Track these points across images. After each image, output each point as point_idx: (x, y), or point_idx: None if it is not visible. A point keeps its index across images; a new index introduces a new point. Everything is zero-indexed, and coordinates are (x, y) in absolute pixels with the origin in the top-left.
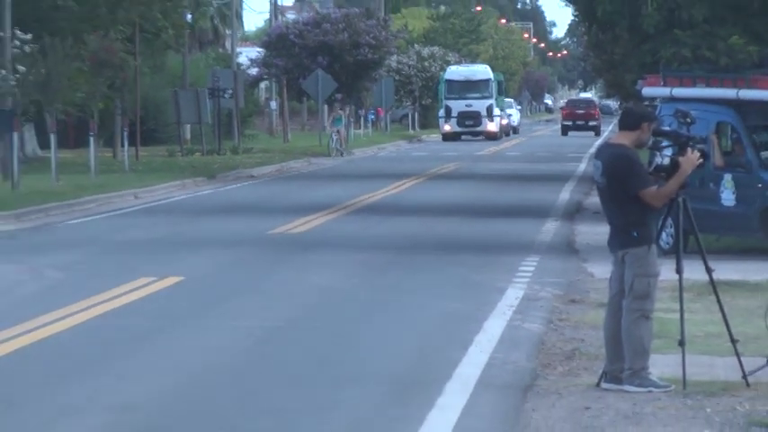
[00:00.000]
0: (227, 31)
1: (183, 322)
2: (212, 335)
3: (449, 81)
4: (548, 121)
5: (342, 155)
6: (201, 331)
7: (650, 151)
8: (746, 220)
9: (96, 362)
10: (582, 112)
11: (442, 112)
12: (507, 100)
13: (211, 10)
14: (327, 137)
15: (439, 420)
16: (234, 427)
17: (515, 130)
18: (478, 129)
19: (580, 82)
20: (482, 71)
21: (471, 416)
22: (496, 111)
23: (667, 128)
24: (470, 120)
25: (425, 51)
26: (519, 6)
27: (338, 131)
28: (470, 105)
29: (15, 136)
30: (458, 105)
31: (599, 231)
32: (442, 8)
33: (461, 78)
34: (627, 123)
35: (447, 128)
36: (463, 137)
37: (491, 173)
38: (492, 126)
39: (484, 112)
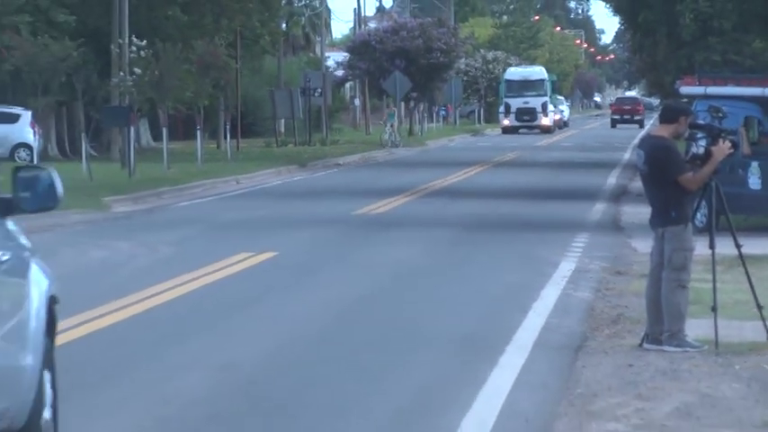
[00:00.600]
0: (317, 38)
1: (278, 291)
2: (304, 302)
3: (508, 81)
4: (597, 116)
5: (397, 146)
6: (294, 299)
7: (687, 142)
8: None
9: (201, 327)
10: (628, 107)
11: (502, 109)
12: (559, 98)
13: (303, 19)
14: (382, 131)
15: (501, 377)
16: (323, 383)
17: (566, 123)
18: (534, 123)
19: (625, 82)
20: (538, 72)
21: (529, 373)
22: (550, 107)
23: (702, 121)
24: (527, 115)
25: (490, 55)
26: (572, 16)
27: (391, 125)
28: (527, 102)
29: (132, 129)
30: (516, 102)
31: (641, 212)
32: (505, 18)
33: (519, 78)
34: (666, 117)
35: (506, 122)
36: (521, 130)
37: (547, 161)
38: (546, 121)
39: (539, 109)
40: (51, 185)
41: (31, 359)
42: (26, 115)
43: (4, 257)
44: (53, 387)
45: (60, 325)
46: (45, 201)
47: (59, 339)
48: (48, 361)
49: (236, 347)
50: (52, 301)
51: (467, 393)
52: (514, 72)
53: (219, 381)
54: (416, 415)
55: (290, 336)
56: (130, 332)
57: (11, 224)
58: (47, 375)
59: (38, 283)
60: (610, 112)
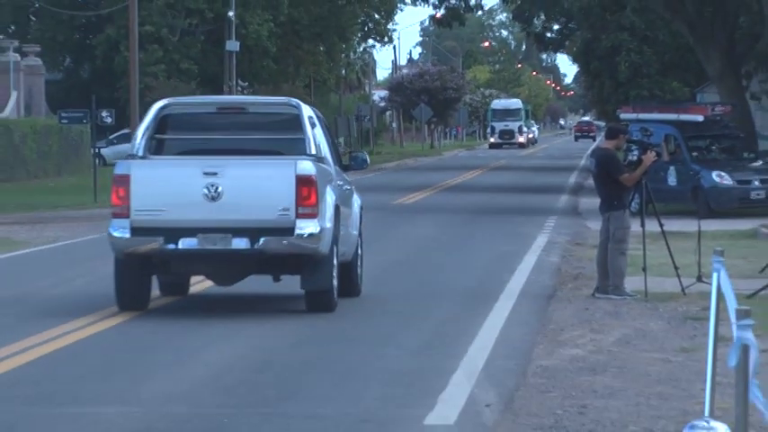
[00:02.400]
0: (366, 81)
1: None
2: (367, 258)
3: (493, 110)
4: (561, 134)
5: None
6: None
7: (624, 152)
8: (683, 194)
9: (284, 281)
10: (585, 128)
11: (489, 130)
12: (532, 122)
13: (357, 68)
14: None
15: (496, 317)
16: (367, 324)
17: (536, 141)
18: (513, 140)
19: (581, 110)
20: (515, 103)
21: (516, 314)
22: (525, 129)
23: (635, 138)
24: (507, 135)
25: (487, 92)
26: (544, 64)
27: None
28: (507, 125)
29: None
30: (499, 125)
31: (593, 201)
32: (497, 66)
33: (501, 108)
34: (610, 135)
35: (492, 140)
36: (503, 146)
37: (526, 166)
38: (522, 139)
39: (516, 130)
40: (365, 159)
41: (355, 231)
42: None
43: (347, 186)
44: (360, 243)
45: None
46: (362, 165)
47: None
48: (360, 232)
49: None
50: (360, 207)
51: (472, 329)
52: (498, 103)
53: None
54: (436, 345)
55: (378, 262)
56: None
57: (346, 175)
58: (359, 239)
59: (357, 198)
60: (573, 131)
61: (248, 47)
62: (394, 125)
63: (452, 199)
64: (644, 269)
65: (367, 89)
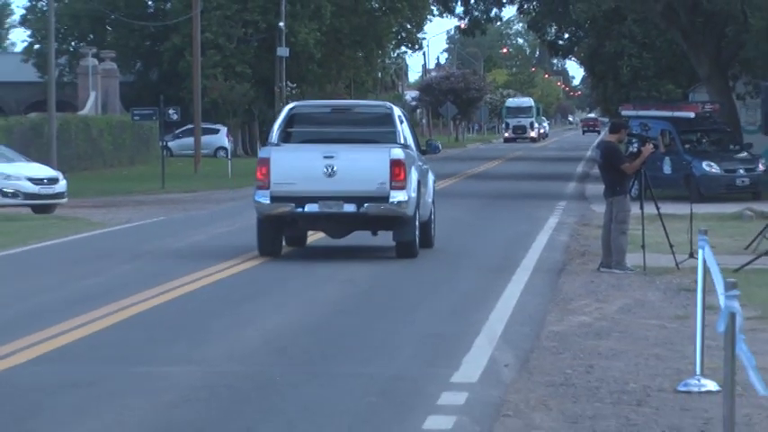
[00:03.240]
0: (400, 82)
1: (361, 245)
2: (372, 254)
3: (507, 107)
4: (570, 129)
5: None
6: (386, 238)
7: (626, 144)
8: (677, 181)
9: (327, 260)
10: (591, 123)
11: (504, 126)
12: (543, 118)
13: (391, 71)
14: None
15: (514, 288)
16: (402, 290)
17: (547, 135)
18: (525, 135)
19: (588, 108)
20: (527, 101)
21: (531, 286)
22: (536, 125)
23: (635, 131)
24: (520, 130)
25: (504, 92)
26: (555, 68)
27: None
28: (520, 121)
29: None
30: (513, 121)
31: (598, 188)
32: (514, 69)
33: (515, 106)
34: (613, 129)
35: (506, 134)
36: (517, 140)
37: (539, 156)
38: (533, 133)
39: (528, 125)
40: (437, 146)
41: (430, 199)
42: (223, 129)
43: (425, 166)
44: (434, 209)
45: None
46: (435, 150)
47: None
48: (433, 200)
49: (370, 258)
50: (434, 182)
51: (493, 298)
52: (512, 101)
53: (343, 290)
54: (461, 311)
55: (392, 257)
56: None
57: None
58: (433, 206)
59: (431, 175)
60: (580, 126)
61: (296, 53)
62: (423, 121)
63: (475, 185)
64: (643, 246)
65: (400, 90)
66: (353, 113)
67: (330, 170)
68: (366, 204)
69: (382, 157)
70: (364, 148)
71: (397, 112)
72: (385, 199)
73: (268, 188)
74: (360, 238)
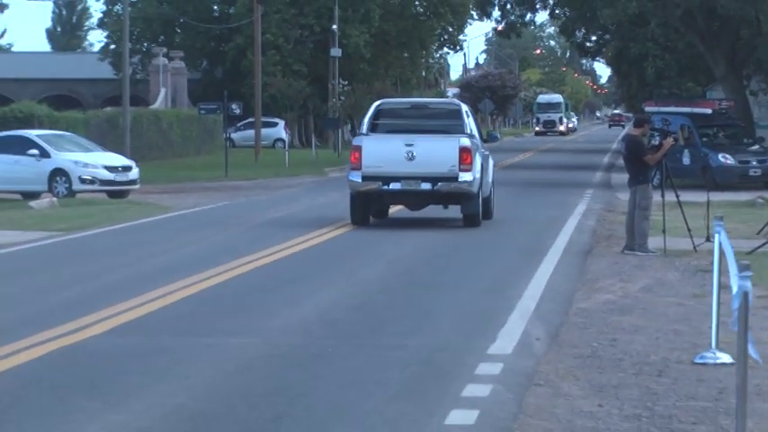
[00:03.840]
0: (442, 80)
1: (424, 217)
2: (440, 223)
3: (538, 103)
4: (597, 123)
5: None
6: (431, 223)
7: (648, 138)
8: (695, 171)
9: (373, 243)
10: (617, 118)
11: (535, 120)
12: (572, 113)
13: (434, 69)
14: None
15: (545, 268)
16: (445, 272)
17: (575, 129)
18: (554, 129)
19: (614, 104)
20: (556, 98)
21: (561, 266)
22: (564, 119)
23: (657, 126)
24: (550, 124)
25: (538, 90)
26: (584, 68)
27: None
28: (550, 116)
29: (339, 131)
30: (543, 116)
31: (623, 177)
32: (546, 69)
33: (545, 102)
34: (637, 123)
35: (537, 129)
36: (547, 134)
37: (569, 148)
38: (562, 128)
39: (557, 120)
40: (496, 136)
41: (490, 179)
42: (281, 123)
43: (486, 152)
44: (493, 187)
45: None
46: (494, 139)
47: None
48: (492, 181)
49: (413, 241)
50: (492, 165)
51: (526, 277)
52: (542, 97)
53: (387, 270)
54: (498, 289)
55: (444, 228)
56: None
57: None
58: (492, 186)
59: (491, 160)
60: (607, 120)
61: (348, 53)
62: None
63: (510, 175)
64: (663, 231)
65: (442, 87)
66: (429, 109)
67: (410, 155)
68: (439, 183)
69: (453, 144)
70: (438, 137)
71: (464, 108)
72: (455, 179)
73: (360, 169)
74: (432, 211)
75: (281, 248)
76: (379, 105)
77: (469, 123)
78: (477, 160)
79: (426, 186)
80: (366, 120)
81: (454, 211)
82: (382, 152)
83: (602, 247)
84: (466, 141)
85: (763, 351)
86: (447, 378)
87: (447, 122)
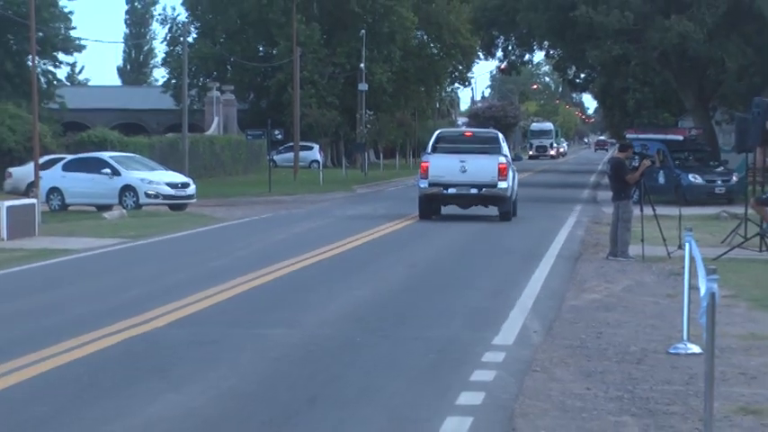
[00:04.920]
0: (453, 111)
1: (440, 228)
2: (452, 234)
3: (531, 130)
4: (585, 148)
5: None
6: (445, 234)
7: (629, 160)
8: (669, 189)
9: (395, 250)
10: (602, 143)
11: (528, 146)
12: (562, 139)
13: (446, 101)
14: None
15: (541, 271)
16: (455, 272)
17: (565, 153)
18: (546, 153)
19: (599, 132)
20: (548, 125)
21: (554, 269)
22: (555, 144)
23: (637, 150)
24: (542, 149)
25: (535, 119)
26: (574, 101)
27: None
28: (542, 142)
29: (366, 154)
30: (536, 142)
31: (607, 194)
32: (542, 101)
33: (538, 129)
34: (621, 148)
35: (531, 153)
36: (539, 157)
37: (561, 169)
38: (552, 152)
39: (548, 145)
40: (521, 157)
41: (516, 187)
42: (316, 147)
43: (515, 168)
44: (517, 194)
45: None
46: (519, 159)
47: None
48: (517, 188)
49: (429, 248)
50: (517, 177)
51: (525, 279)
52: (535, 125)
53: (410, 272)
54: (501, 289)
55: (454, 239)
56: (353, 254)
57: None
58: (517, 193)
59: (516, 174)
60: (593, 145)
61: (373, 87)
62: None
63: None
64: (642, 240)
65: (453, 117)
66: (475, 136)
67: (463, 168)
68: (483, 189)
69: (494, 161)
70: (482, 156)
71: (500, 135)
72: (495, 186)
73: (427, 178)
74: (476, 210)
75: (316, 254)
76: (439, 133)
77: (504, 147)
78: (510, 173)
79: (474, 191)
80: (430, 143)
81: (488, 210)
82: (443, 166)
83: (590, 254)
84: (503, 159)
85: (727, 343)
86: (458, 365)
87: (488, 146)
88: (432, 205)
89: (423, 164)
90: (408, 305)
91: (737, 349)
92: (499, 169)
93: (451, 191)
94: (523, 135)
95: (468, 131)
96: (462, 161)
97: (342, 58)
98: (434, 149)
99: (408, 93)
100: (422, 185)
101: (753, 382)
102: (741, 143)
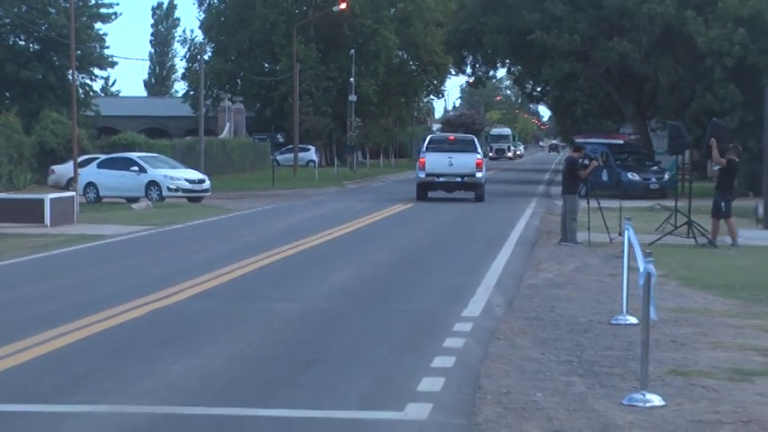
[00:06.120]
0: (429, 118)
1: (418, 218)
2: (427, 223)
3: (491, 135)
4: (540, 151)
5: None
6: (421, 222)
7: (581, 159)
8: (611, 185)
9: (379, 236)
10: (554, 146)
11: (489, 148)
12: (519, 143)
13: (423, 110)
14: None
15: (503, 254)
16: (431, 257)
17: (522, 155)
18: (504, 155)
19: (552, 136)
20: (506, 130)
21: (514, 254)
22: (512, 148)
23: (586, 152)
24: (501, 151)
25: (496, 125)
26: (531, 110)
27: None
28: (500, 145)
29: (355, 155)
30: (496, 145)
31: (559, 188)
32: (504, 111)
33: (497, 134)
34: (576, 148)
35: (491, 155)
36: (499, 159)
37: (519, 168)
38: (510, 154)
39: (506, 149)
40: (488, 154)
41: (485, 174)
42: (312, 148)
43: (485, 162)
44: (485, 174)
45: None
46: (485, 156)
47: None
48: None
49: (408, 235)
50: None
51: (489, 260)
52: (494, 130)
53: (404, 243)
54: (469, 269)
55: (431, 227)
56: (341, 242)
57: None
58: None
59: (486, 167)
60: (548, 148)
61: (361, 98)
62: None
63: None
64: (588, 228)
65: (429, 124)
66: (457, 139)
67: (450, 163)
68: (465, 178)
69: (473, 158)
70: (464, 153)
71: (476, 139)
72: (473, 175)
73: (424, 170)
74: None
75: (312, 239)
76: (430, 137)
77: (478, 147)
78: (484, 166)
79: (458, 179)
80: (425, 144)
81: (465, 195)
82: (435, 161)
83: (544, 240)
84: (479, 156)
85: (660, 315)
86: (432, 333)
87: (467, 146)
88: (426, 190)
89: (420, 159)
90: (391, 282)
91: (668, 320)
92: (476, 163)
93: (441, 179)
94: (485, 139)
95: (452, 136)
96: (450, 157)
97: (334, 73)
98: (428, 149)
99: (391, 103)
100: (420, 175)
101: (681, 348)
102: (672, 147)
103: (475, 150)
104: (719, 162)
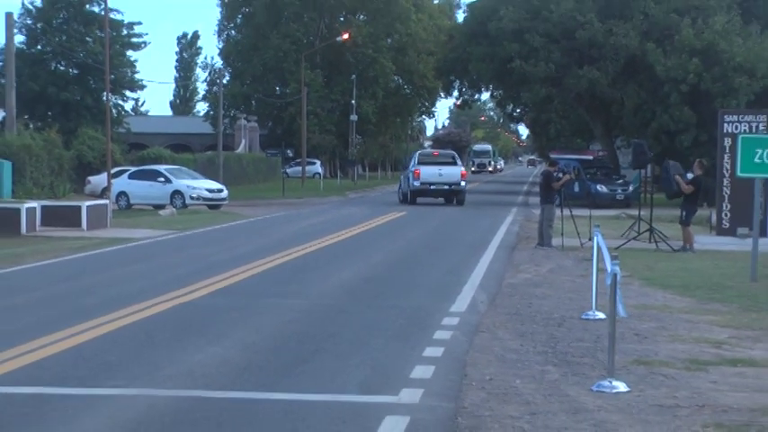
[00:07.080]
0: (421, 136)
1: (411, 224)
2: (419, 228)
3: (474, 150)
4: (519, 165)
5: None
6: (414, 228)
7: (556, 172)
8: (582, 196)
9: (377, 240)
10: (532, 161)
11: (471, 163)
12: (499, 158)
13: (416, 129)
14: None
15: (485, 258)
16: (418, 260)
17: (502, 169)
18: (485, 170)
19: (530, 152)
20: (487, 146)
21: (496, 257)
22: (493, 162)
23: (560, 166)
24: (482, 166)
25: (480, 143)
26: (512, 129)
27: None
28: (482, 160)
29: (355, 168)
30: (477, 160)
31: (536, 199)
32: (488, 129)
33: (479, 150)
34: (551, 163)
35: (473, 169)
36: (480, 173)
37: (500, 180)
38: (491, 168)
39: (487, 163)
40: (470, 170)
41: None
42: (318, 162)
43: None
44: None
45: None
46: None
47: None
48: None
49: (403, 239)
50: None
51: (473, 262)
52: (476, 147)
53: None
54: (456, 270)
55: (422, 233)
56: (341, 246)
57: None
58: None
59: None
60: (525, 163)
61: (362, 118)
62: None
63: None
64: (562, 234)
65: (421, 141)
66: (440, 154)
67: (440, 174)
68: (452, 186)
69: (457, 170)
70: (450, 166)
71: (456, 154)
72: (459, 184)
73: (419, 180)
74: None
75: (318, 242)
76: (420, 152)
77: (460, 161)
78: (466, 177)
79: (446, 188)
80: (416, 159)
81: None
82: (428, 172)
83: (523, 244)
84: (462, 169)
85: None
86: (423, 327)
87: (451, 160)
88: (417, 196)
89: (415, 171)
90: (386, 281)
91: (633, 316)
92: (461, 174)
93: (433, 187)
94: (468, 154)
95: (436, 152)
96: (439, 169)
97: (338, 95)
98: (419, 162)
99: (388, 122)
100: (415, 183)
101: (644, 341)
102: (636, 162)
103: (458, 163)
104: (688, 190)
